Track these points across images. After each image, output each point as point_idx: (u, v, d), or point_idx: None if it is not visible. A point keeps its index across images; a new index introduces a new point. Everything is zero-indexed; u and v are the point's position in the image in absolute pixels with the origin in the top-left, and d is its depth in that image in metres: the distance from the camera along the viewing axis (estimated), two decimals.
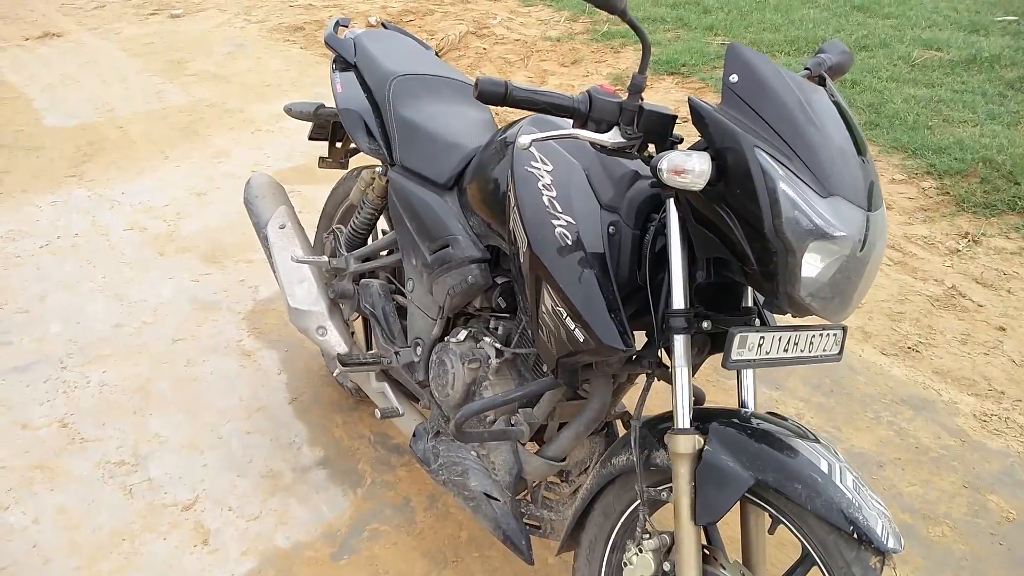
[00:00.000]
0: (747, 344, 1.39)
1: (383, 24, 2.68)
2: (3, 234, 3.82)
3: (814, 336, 1.46)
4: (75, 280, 3.46)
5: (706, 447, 1.42)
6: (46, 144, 4.84)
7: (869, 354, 2.95)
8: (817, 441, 1.45)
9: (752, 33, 6.23)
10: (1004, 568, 2.14)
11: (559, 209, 1.59)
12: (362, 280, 2.34)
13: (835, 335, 1.49)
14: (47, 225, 3.91)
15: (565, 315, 1.55)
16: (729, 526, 1.64)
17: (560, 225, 1.58)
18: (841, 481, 1.36)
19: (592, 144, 1.47)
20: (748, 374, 1.57)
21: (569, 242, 1.56)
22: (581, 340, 1.53)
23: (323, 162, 2.74)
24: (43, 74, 6.00)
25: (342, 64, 2.43)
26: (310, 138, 2.73)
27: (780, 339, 1.42)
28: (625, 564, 1.56)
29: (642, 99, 1.45)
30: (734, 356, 1.37)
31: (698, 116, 1.37)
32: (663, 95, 5.38)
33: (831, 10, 6.83)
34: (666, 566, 1.54)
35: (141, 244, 3.74)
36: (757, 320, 1.59)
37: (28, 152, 4.73)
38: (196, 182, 4.32)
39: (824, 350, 1.50)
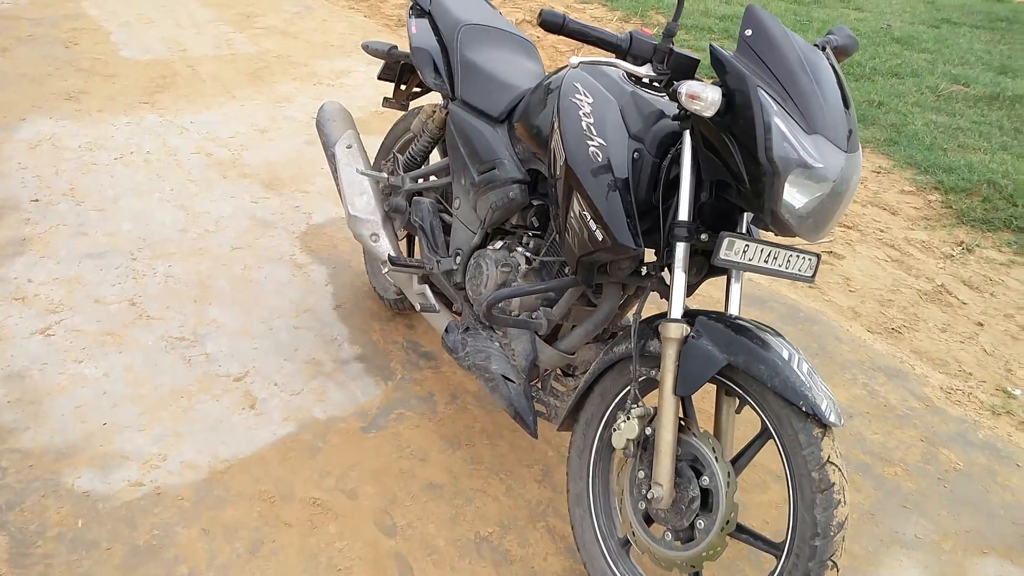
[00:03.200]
0: (734, 248, 1.71)
1: None
2: (82, 144, 4.18)
3: (791, 256, 1.78)
4: (146, 189, 3.81)
5: (691, 334, 1.74)
6: (121, 73, 5.21)
7: (856, 330, 3.25)
8: (782, 338, 1.76)
9: None
10: (944, 506, 2.45)
11: (594, 133, 1.91)
12: (414, 198, 2.67)
13: (810, 259, 1.81)
14: (122, 141, 4.27)
15: (589, 218, 1.87)
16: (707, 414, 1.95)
17: (593, 145, 1.90)
18: (798, 367, 1.67)
19: (628, 75, 1.81)
20: (735, 286, 1.87)
21: (599, 160, 1.88)
22: (600, 239, 1.85)
23: (387, 102, 3.08)
24: (121, 11, 6.38)
25: (418, 11, 2.77)
26: (379, 78, 3.06)
27: (762, 250, 1.74)
28: (614, 430, 1.88)
29: (673, 43, 1.78)
30: (722, 255, 1.69)
31: (715, 59, 1.70)
32: None
33: (871, 39, 7.13)
34: (647, 431, 1.85)
35: (206, 167, 4.09)
36: None
37: (105, 78, 5.10)
38: (259, 120, 4.68)
39: (799, 270, 1.81)
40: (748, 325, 1.76)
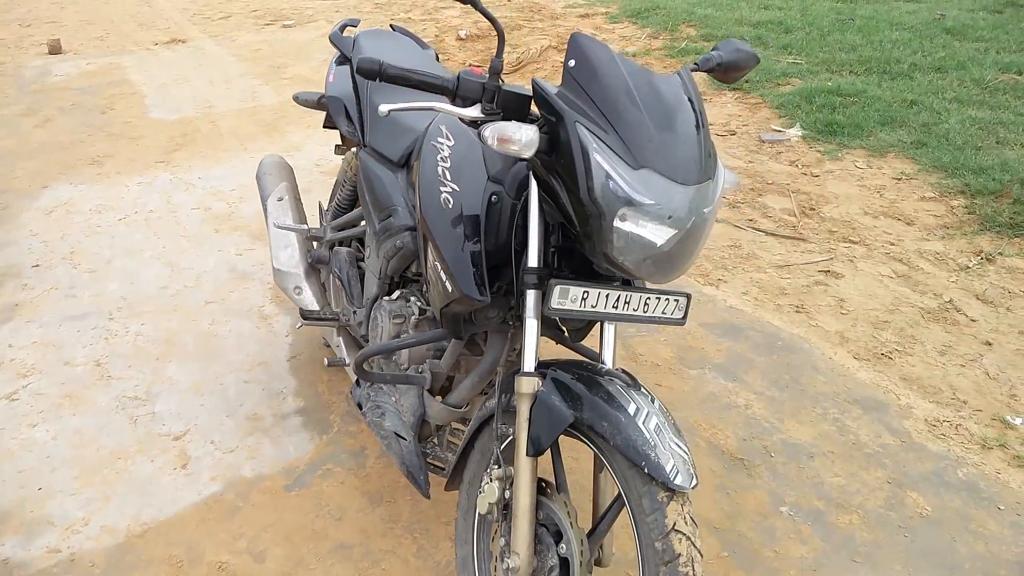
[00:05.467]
0: (569, 296, 1.57)
1: (391, 26, 2.98)
2: (93, 207, 4.36)
3: (648, 299, 1.62)
4: (140, 248, 3.93)
5: (540, 388, 1.61)
6: (147, 135, 5.43)
7: (840, 357, 3.00)
8: (637, 390, 1.61)
9: (825, 53, 6.21)
10: (901, 558, 2.19)
11: (448, 178, 1.82)
12: (334, 248, 2.63)
13: (677, 300, 1.65)
14: (130, 202, 4.43)
15: (440, 268, 1.78)
16: None
17: (445, 192, 1.81)
18: (644, 423, 1.51)
19: (461, 119, 1.70)
20: (609, 331, 1.72)
21: (449, 206, 1.78)
22: (450, 290, 1.75)
23: (338, 149, 3.06)
24: (161, 75, 6.68)
25: (341, 59, 2.74)
26: (324, 126, 3.04)
27: (608, 296, 1.59)
28: (479, 492, 1.77)
29: (502, 81, 1.67)
30: (554, 304, 1.56)
31: (536, 94, 1.58)
32: (719, 108, 5.48)
33: (917, 32, 6.70)
34: (508, 494, 1.73)
35: (202, 221, 4.19)
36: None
37: (131, 140, 5.33)
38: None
39: (663, 313, 1.66)
40: (599, 376, 1.62)
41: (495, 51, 1.66)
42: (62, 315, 3.38)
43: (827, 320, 3.22)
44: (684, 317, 1.69)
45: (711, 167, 1.54)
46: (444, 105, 1.66)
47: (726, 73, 1.84)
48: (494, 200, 1.78)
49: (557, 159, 1.52)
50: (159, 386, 2.94)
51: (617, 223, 1.46)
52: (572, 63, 1.56)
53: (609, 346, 1.72)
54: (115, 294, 3.54)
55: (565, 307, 1.57)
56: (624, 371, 1.69)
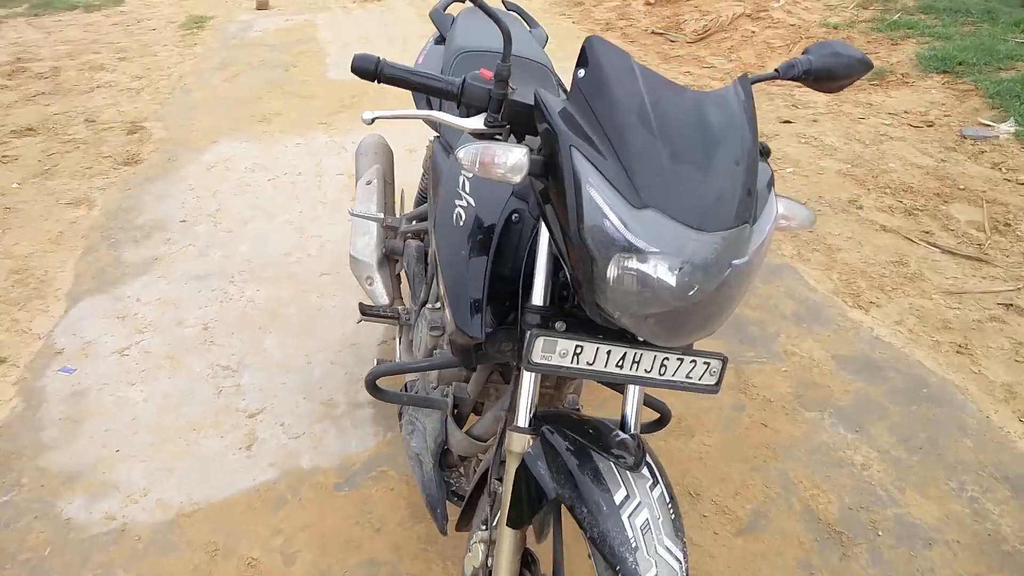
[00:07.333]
0: (557, 349, 1.30)
1: (504, 3, 2.74)
2: (248, 166, 4.49)
3: (668, 359, 1.32)
4: (279, 211, 3.98)
5: (528, 450, 1.37)
6: (319, 94, 5.54)
7: (1000, 417, 2.47)
8: (638, 470, 1.32)
9: None
10: None
11: (466, 190, 1.60)
12: (407, 240, 2.47)
13: (708, 363, 1.33)
14: (283, 163, 4.52)
15: (443, 292, 1.57)
16: None
17: (460, 206, 1.58)
18: (630, 516, 1.24)
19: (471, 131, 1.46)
20: (633, 391, 1.45)
21: (461, 223, 1.56)
22: (449, 319, 1.54)
23: None
24: (347, 34, 6.81)
25: (440, 39, 2.56)
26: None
27: (610, 353, 1.30)
28: (468, 551, 1.57)
29: (511, 89, 1.41)
30: (536, 359, 1.30)
31: (537, 108, 1.31)
32: (920, 94, 4.76)
33: None
34: (491, 561, 1.51)
35: (343, 188, 4.19)
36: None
37: (303, 100, 5.46)
38: (413, 140, 4.71)
39: (688, 377, 1.34)
40: (597, 448, 1.34)
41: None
42: (190, 274, 3.49)
43: (994, 367, 2.67)
44: (717, 384, 1.36)
45: (749, 207, 1.18)
46: (439, 114, 1.42)
47: (818, 82, 1.48)
48: (515, 219, 1.52)
49: (552, 187, 1.25)
50: (252, 358, 2.95)
51: (611, 272, 1.16)
52: (582, 73, 1.26)
53: (632, 406, 1.43)
54: (242, 256, 3.60)
55: (551, 362, 1.31)
56: (638, 440, 1.40)
